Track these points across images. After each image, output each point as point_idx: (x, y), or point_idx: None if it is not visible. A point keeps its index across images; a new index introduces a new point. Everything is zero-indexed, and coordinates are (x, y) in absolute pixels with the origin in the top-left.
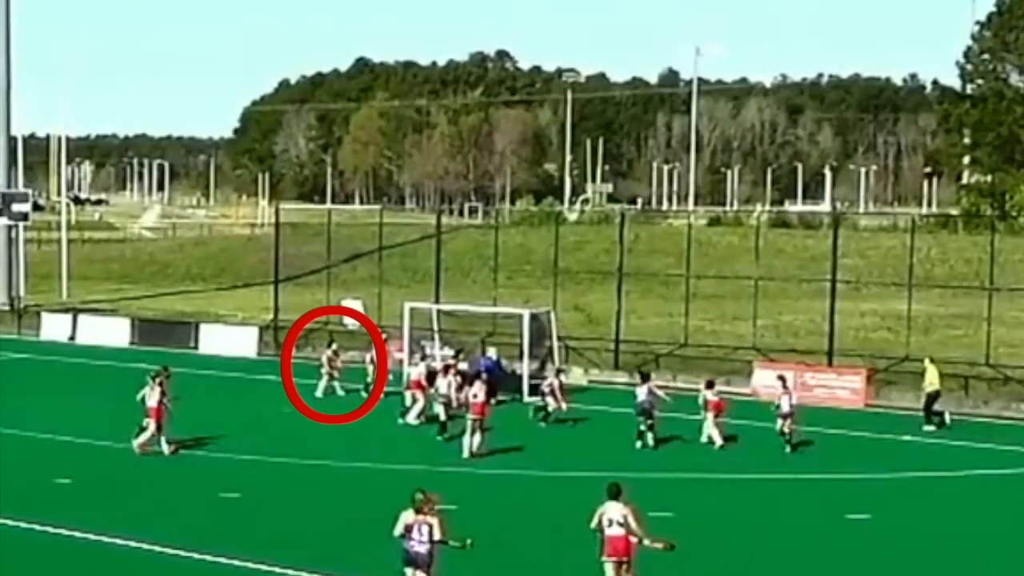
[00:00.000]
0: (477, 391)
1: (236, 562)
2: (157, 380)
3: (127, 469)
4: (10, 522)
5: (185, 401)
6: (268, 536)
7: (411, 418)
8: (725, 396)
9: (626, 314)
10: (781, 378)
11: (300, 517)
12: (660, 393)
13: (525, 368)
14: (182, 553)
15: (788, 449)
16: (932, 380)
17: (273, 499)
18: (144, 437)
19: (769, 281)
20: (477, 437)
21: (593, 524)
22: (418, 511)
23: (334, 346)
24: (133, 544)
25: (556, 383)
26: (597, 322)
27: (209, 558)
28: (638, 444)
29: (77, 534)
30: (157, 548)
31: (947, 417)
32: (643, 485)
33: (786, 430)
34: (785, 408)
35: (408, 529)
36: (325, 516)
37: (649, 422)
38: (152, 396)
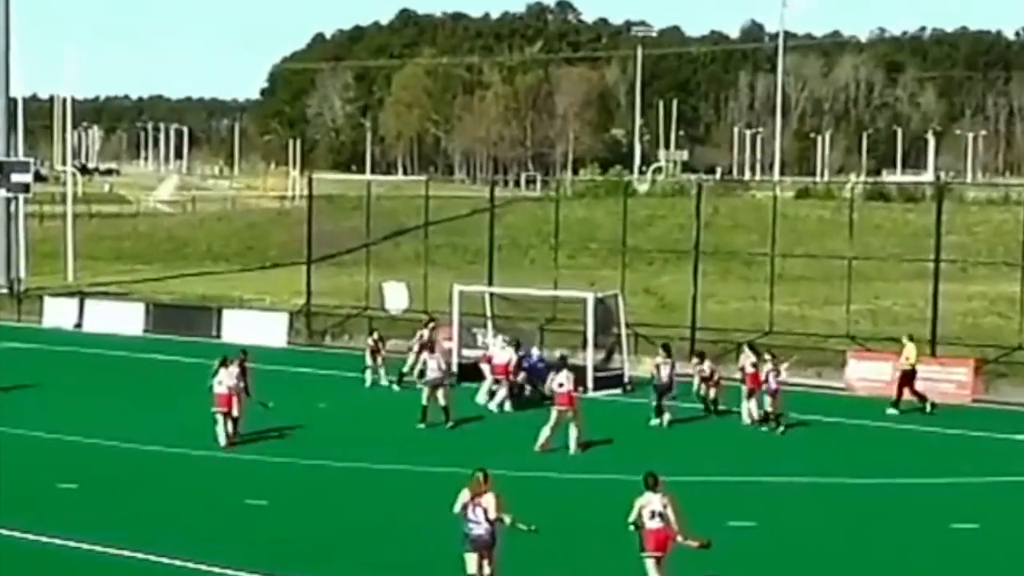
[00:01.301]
0: (563, 380)
1: None
2: (230, 364)
3: (139, 472)
4: (10, 532)
5: (204, 397)
6: (299, 549)
7: (494, 404)
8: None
9: (703, 298)
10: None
11: (334, 527)
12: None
13: (589, 359)
14: (202, 567)
15: (780, 430)
16: None
17: (304, 507)
18: (221, 430)
19: (865, 261)
20: (573, 431)
21: (632, 517)
22: (474, 493)
23: (375, 334)
24: (141, 556)
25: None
26: (671, 307)
27: (230, 572)
28: (655, 422)
29: (84, 545)
30: (169, 560)
31: None
32: (724, 489)
33: (769, 408)
34: (772, 384)
35: (464, 509)
36: (363, 525)
37: (671, 400)
38: (224, 381)
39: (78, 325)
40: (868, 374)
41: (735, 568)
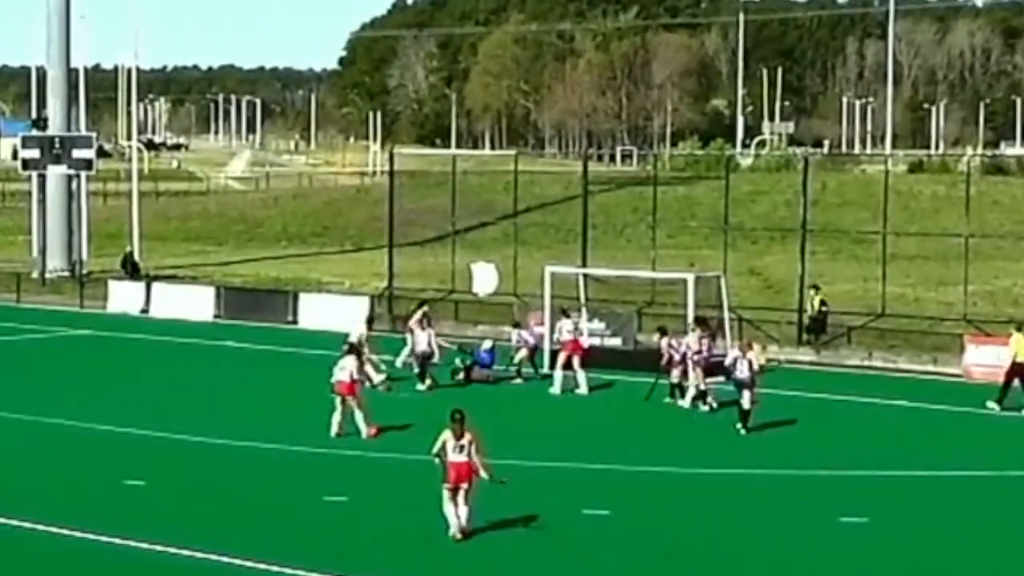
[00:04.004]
0: (569, 327)
1: None
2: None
3: (211, 468)
4: (73, 532)
5: (282, 386)
6: (380, 553)
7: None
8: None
9: (811, 279)
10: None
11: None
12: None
13: (691, 344)
14: (273, 568)
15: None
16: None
17: (384, 505)
18: (338, 418)
19: (983, 239)
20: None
21: (435, 450)
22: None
23: (424, 308)
24: (214, 557)
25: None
26: (776, 289)
27: (302, 575)
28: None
29: (152, 546)
30: (241, 562)
31: None
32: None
33: (745, 404)
34: (744, 374)
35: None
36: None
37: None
38: (346, 368)
39: (144, 310)
40: (987, 360)
41: (850, 565)
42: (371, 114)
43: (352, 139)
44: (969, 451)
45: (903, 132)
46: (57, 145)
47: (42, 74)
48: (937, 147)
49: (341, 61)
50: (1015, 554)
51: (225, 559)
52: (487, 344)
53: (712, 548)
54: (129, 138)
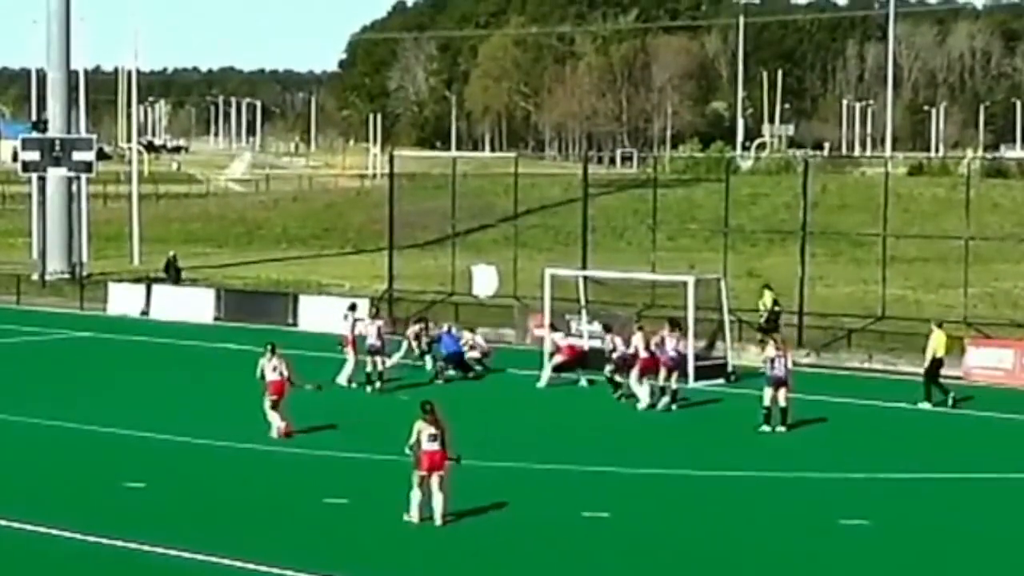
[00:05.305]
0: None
1: None
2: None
3: (211, 470)
4: (74, 534)
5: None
6: (385, 553)
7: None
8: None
9: (811, 281)
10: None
11: (410, 528)
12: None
13: (690, 347)
14: (275, 570)
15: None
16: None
17: (384, 506)
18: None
19: (983, 241)
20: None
21: (411, 441)
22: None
23: (420, 324)
24: (213, 559)
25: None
26: (776, 291)
27: None
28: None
29: (153, 548)
30: (241, 564)
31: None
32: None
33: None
34: (781, 372)
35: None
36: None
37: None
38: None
39: (145, 313)
40: (987, 362)
41: (850, 567)
42: (371, 116)
43: (352, 141)
44: (969, 454)
45: (903, 135)
46: (57, 147)
47: (42, 76)
48: (937, 150)
49: (341, 63)
50: (1015, 556)
51: (225, 561)
52: (444, 327)
53: (712, 550)
54: (129, 140)
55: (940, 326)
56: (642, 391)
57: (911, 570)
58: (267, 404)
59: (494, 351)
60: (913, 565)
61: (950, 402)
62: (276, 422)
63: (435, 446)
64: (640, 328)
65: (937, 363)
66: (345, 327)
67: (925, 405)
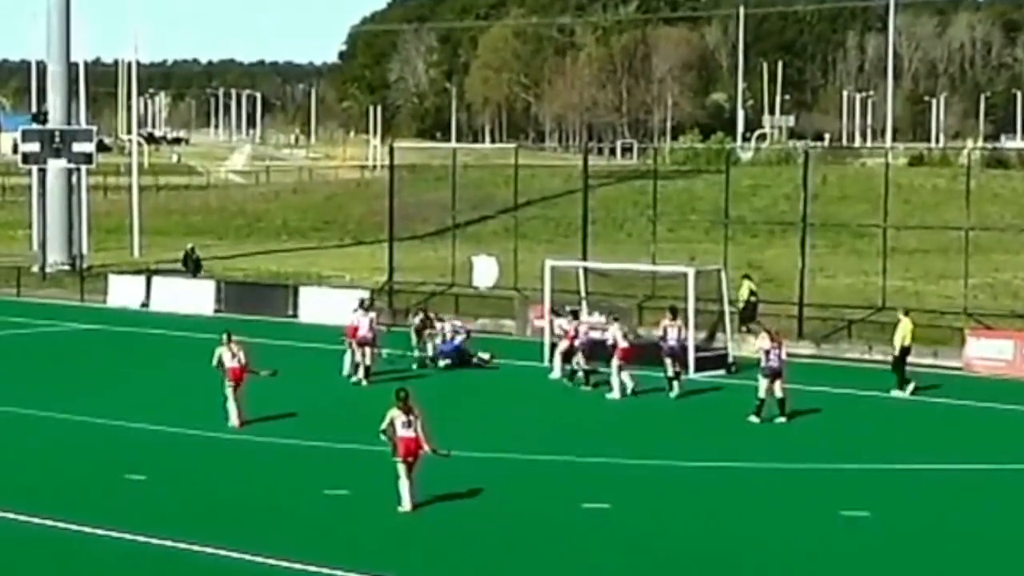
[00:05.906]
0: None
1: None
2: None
3: (212, 462)
4: (79, 527)
5: (282, 380)
6: (384, 546)
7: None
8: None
9: (811, 273)
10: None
11: (412, 520)
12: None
13: (691, 338)
14: (276, 562)
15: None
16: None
17: (385, 499)
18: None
19: (983, 232)
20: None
21: (383, 426)
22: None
23: (422, 314)
24: (211, 551)
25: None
26: (776, 282)
27: (312, 569)
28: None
29: (152, 540)
30: (242, 555)
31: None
32: (834, 477)
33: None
34: (777, 363)
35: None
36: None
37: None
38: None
39: (145, 304)
40: (988, 352)
41: (851, 558)
42: (371, 108)
43: (352, 133)
44: (970, 444)
45: (903, 125)
46: (57, 139)
47: (42, 68)
48: (937, 140)
49: (341, 55)
50: (1016, 547)
51: (226, 552)
52: (439, 326)
53: (713, 541)
54: (129, 132)
55: (907, 314)
56: (617, 382)
57: (912, 561)
58: (228, 392)
59: (472, 333)
60: (914, 556)
61: (909, 391)
62: (233, 410)
63: (409, 432)
64: (616, 319)
65: (904, 351)
66: (354, 319)
67: (897, 393)
